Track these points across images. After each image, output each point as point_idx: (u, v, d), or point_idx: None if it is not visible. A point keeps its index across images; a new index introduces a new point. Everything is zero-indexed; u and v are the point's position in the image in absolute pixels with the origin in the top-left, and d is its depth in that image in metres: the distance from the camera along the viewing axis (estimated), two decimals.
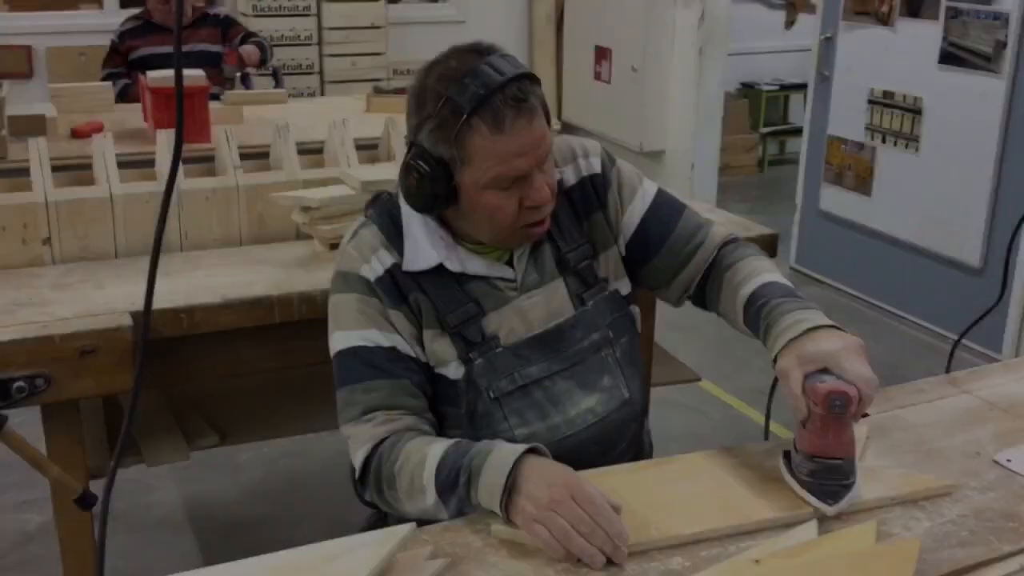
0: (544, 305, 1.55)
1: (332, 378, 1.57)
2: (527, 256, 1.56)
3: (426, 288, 1.50)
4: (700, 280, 1.63)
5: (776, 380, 1.43)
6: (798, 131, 7.31)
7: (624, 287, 1.64)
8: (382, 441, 1.45)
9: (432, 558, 1.22)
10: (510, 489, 1.28)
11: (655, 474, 1.43)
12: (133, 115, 3.74)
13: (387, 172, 2.31)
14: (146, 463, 2.20)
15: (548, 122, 1.48)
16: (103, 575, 0.90)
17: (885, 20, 4.35)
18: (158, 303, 2.00)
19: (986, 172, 3.98)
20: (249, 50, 4.68)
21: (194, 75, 3.46)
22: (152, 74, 3.43)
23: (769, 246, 2.49)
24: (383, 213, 1.56)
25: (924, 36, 4.17)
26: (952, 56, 4.05)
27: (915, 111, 4.27)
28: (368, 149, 2.73)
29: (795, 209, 5.11)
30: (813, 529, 1.27)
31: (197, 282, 2.13)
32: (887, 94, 4.40)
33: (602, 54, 6.06)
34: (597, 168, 1.62)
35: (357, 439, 1.48)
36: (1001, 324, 3.99)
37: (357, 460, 1.48)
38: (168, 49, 4.67)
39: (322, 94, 5.95)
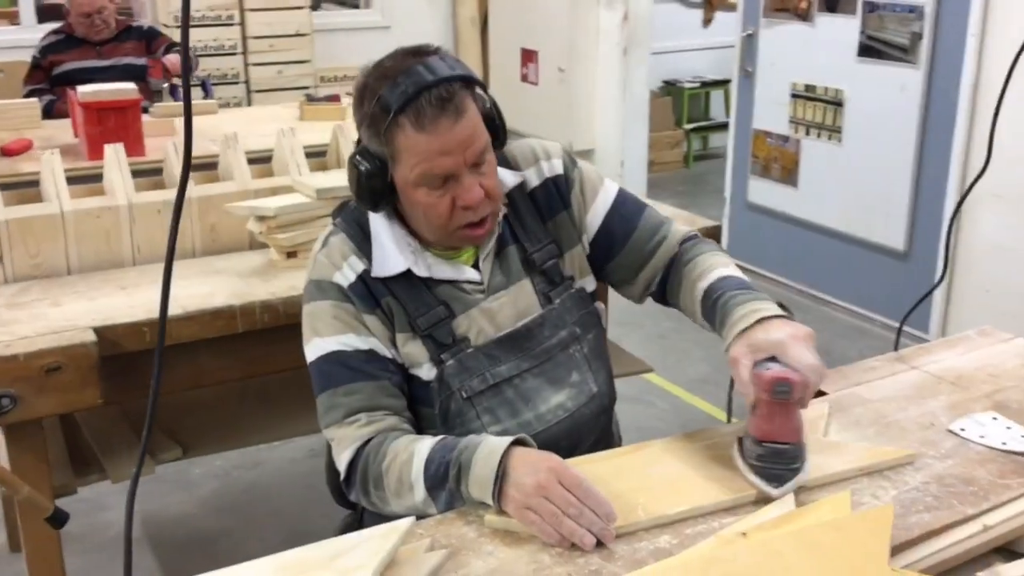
0: (511, 305, 1.59)
1: (297, 385, 1.59)
2: (492, 259, 1.60)
3: (396, 292, 1.54)
4: (662, 276, 1.69)
5: (730, 391, 1.50)
6: (720, 126, 7.51)
7: (589, 284, 1.69)
8: (367, 442, 1.48)
9: (430, 550, 1.25)
10: (500, 479, 1.32)
11: (634, 459, 1.48)
12: (62, 131, 3.69)
13: (341, 179, 2.31)
14: (111, 479, 2.18)
15: (498, 127, 1.52)
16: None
17: (804, 16, 4.49)
18: (118, 318, 2.00)
19: (907, 160, 4.13)
20: (174, 59, 4.63)
21: (126, 88, 3.43)
22: (82, 89, 3.38)
23: (713, 237, 2.57)
24: (351, 221, 1.60)
25: (843, 30, 4.31)
26: (870, 49, 4.20)
27: (836, 103, 4.41)
28: (311, 157, 2.74)
29: (724, 202, 5.23)
30: (791, 502, 1.34)
31: (156, 295, 2.09)
32: (809, 87, 4.54)
33: (528, 56, 6.13)
34: (559, 169, 1.67)
35: (341, 441, 1.51)
36: (927, 306, 4.16)
37: (342, 462, 1.50)
38: (93, 63, 4.60)
39: (249, 104, 5.90)
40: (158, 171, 2.67)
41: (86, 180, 2.44)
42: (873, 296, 4.44)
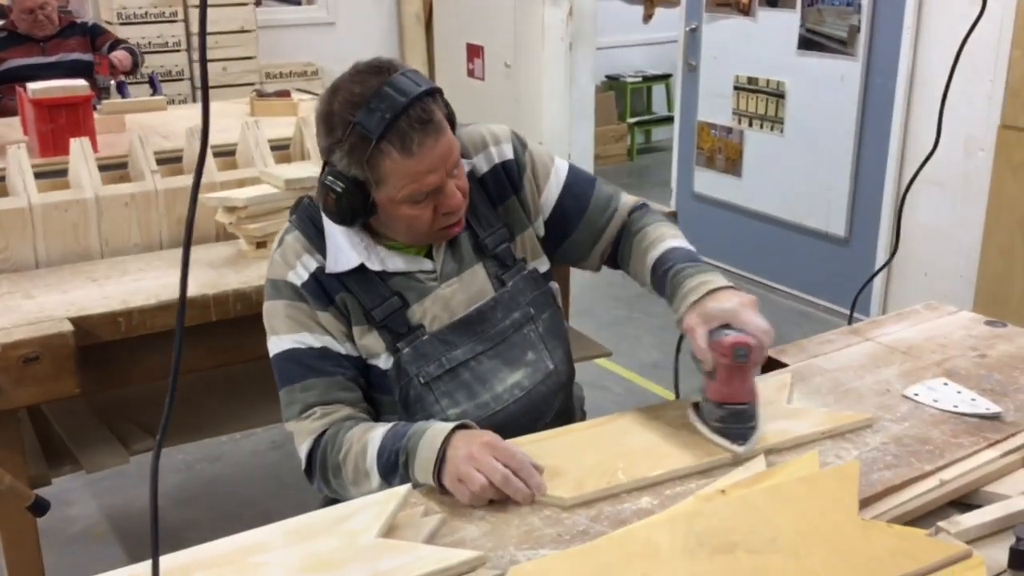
0: (464, 291, 1.63)
1: (264, 375, 1.65)
2: (445, 246, 1.64)
3: (351, 287, 1.58)
4: (613, 244, 1.76)
5: (680, 346, 1.59)
6: (662, 120, 7.64)
7: (542, 265, 1.74)
8: (322, 434, 1.54)
9: (426, 515, 1.31)
10: (440, 460, 1.38)
11: (607, 429, 1.55)
12: (9, 129, 3.66)
13: (309, 170, 2.37)
14: (86, 470, 2.20)
15: (453, 128, 1.56)
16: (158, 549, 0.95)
17: (746, 10, 4.61)
18: (93, 308, 2.02)
19: (847, 149, 4.27)
20: (120, 56, 4.61)
21: (76, 85, 3.43)
22: (32, 86, 3.36)
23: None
24: (304, 218, 1.63)
25: (783, 24, 4.44)
26: (810, 42, 4.34)
27: (778, 95, 4.54)
28: (274, 150, 2.77)
29: (670, 193, 5.34)
30: (762, 463, 1.42)
31: (128, 286, 2.15)
32: (751, 80, 4.66)
33: (474, 51, 6.19)
34: (509, 154, 1.70)
35: (300, 435, 1.57)
36: (869, 289, 4.30)
37: (302, 454, 1.57)
38: (37, 60, 4.57)
39: (194, 100, 5.87)
40: (113, 167, 2.68)
41: (41, 176, 2.43)
42: (816, 281, 4.58)
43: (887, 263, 2.25)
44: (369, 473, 1.47)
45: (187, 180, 2.44)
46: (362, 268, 1.58)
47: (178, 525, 2.95)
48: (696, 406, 1.56)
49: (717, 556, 1.16)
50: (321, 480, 1.55)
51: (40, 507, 1.91)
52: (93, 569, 1.39)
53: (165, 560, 1.16)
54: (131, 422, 2.40)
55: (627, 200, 1.77)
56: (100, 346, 2.02)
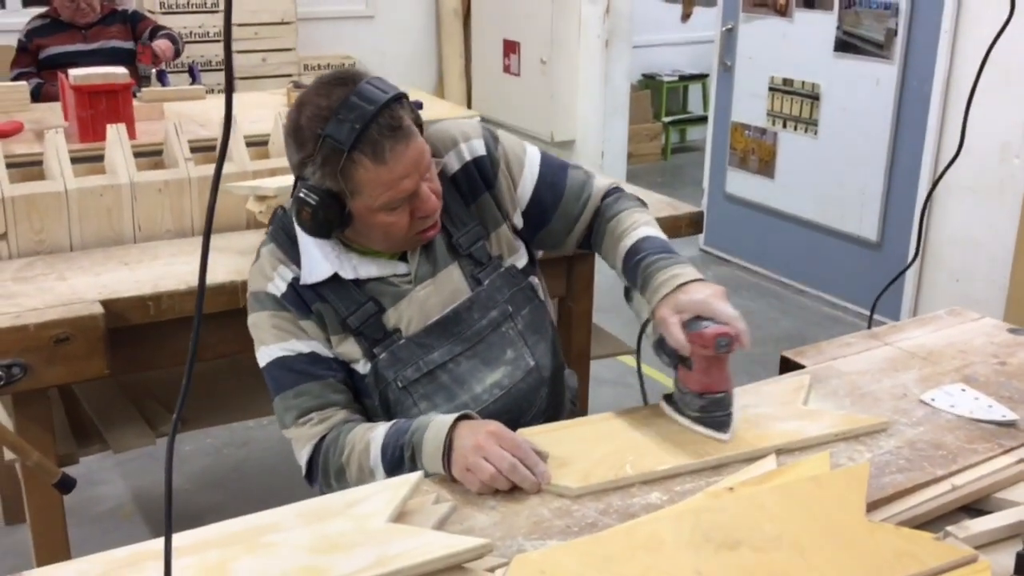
0: (439, 293, 1.64)
1: None
2: (419, 248, 1.64)
3: (325, 296, 1.60)
4: (587, 229, 1.77)
5: (641, 336, 1.61)
6: (697, 120, 7.62)
7: (520, 260, 1.74)
8: (322, 439, 1.57)
9: (437, 503, 1.33)
10: (447, 450, 1.41)
11: (616, 424, 1.57)
12: (51, 114, 3.73)
13: None
14: (112, 450, 2.25)
15: (421, 132, 1.55)
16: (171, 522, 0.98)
17: (783, 11, 4.60)
18: (124, 292, 2.06)
19: (881, 152, 4.25)
20: (163, 45, 4.67)
21: (117, 72, 3.47)
22: (74, 72, 3.42)
23: (694, 224, 2.68)
24: (279, 230, 1.65)
25: (820, 26, 4.42)
26: (846, 44, 4.31)
27: (813, 97, 4.52)
28: None
29: (702, 193, 5.33)
30: (772, 462, 1.43)
31: (158, 271, 2.19)
32: (787, 81, 4.65)
33: (510, 47, 6.20)
34: (481, 150, 1.70)
35: (299, 441, 1.60)
36: (899, 293, 4.28)
37: (302, 460, 1.60)
38: (78, 47, 4.63)
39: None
40: (149, 153, 2.72)
41: (79, 161, 2.48)
42: (846, 285, 4.56)
43: (908, 266, 2.25)
44: (374, 471, 1.50)
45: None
46: (336, 277, 1.59)
47: (202, 509, 3.00)
48: (668, 398, 1.60)
49: (721, 552, 1.17)
50: (324, 484, 1.59)
51: (66, 484, 1.95)
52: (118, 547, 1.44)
53: (178, 538, 1.19)
54: (159, 403, 2.44)
55: (600, 184, 1.78)
56: (130, 328, 2.06)
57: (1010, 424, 1.58)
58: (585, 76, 5.79)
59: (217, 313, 2.15)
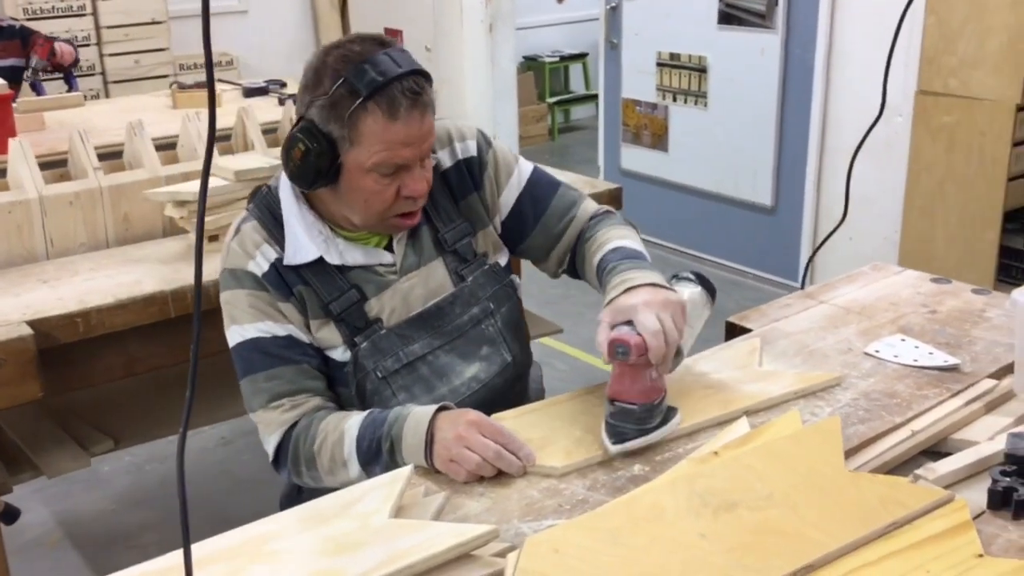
0: (423, 285, 1.64)
1: (212, 371, 1.64)
2: (405, 240, 1.64)
3: (308, 279, 1.57)
4: (571, 253, 1.76)
5: None
6: (580, 99, 7.71)
7: (503, 258, 1.75)
8: (293, 425, 1.54)
9: (427, 495, 1.32)
10: (429, 443, 1.41)
11: (580, 403, 1.58)
12: None
13: (258, 161, 2.35)
14: (47, 475, 2.16)
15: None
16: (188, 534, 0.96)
17: None
18: (49, 311, 1.98)
19: (770, 119, 4.38)
20: (66, 49, 4.47)
21: None
22: None
23: (614, 199, 2.72)
24: (263, 207, 1.60)
25: (703, 0, 4.52)
26: (730, 16, 4.43)
27: (700, 70, 4.63)
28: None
29: (598, 171, 5.40)
30: (745, 424, 1.47)
31: (80, 286, 2.11)
32: (673, 56, 4.74)
33: (393, 36, 6.13)
34: (473, 151, 1.70)
35: (268, 426, 1.56)
36: (796, 257, 4.44)
37: (270, 445, 1.56)
38: None
39: (107, 95, 5.73)
40: (45, 166, 2.61)
41: None
42: (744, 251, 4.69)
43: (838, 226, 2.34)
44: (347, 462, 1.48)
45: (133, 176, 2.40)
46: (320, 261, 1.57)
47: (132, 529, 2.91)
48: None
49: (721, 514, 1.21)
50: (292, 471, 1.55)
51: (10, 515, 1.87)
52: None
53: (171, 558, 1.15)
54: (86, 424, 2.36)
55: (588, 207, 1.76)
56: (58, 348, 1.98)
57: (953, 368, 1.66)
58: (471, 61, 5.78)
59: (146, 326, 2.09)
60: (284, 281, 1.55)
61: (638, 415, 1.42)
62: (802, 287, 2.08)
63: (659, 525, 1.19)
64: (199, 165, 2.44)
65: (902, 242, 3.93)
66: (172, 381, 2.55)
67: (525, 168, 1.75)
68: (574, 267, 1.76)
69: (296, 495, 1.85)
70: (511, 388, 1.73)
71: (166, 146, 2.70)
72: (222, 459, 3.28)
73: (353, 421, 1.49)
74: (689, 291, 1.62)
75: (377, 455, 1.45)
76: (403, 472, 1.28)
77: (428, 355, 1.63)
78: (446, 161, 1.68)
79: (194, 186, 2.27)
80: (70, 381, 2.07)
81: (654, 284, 1.48)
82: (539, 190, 1.74)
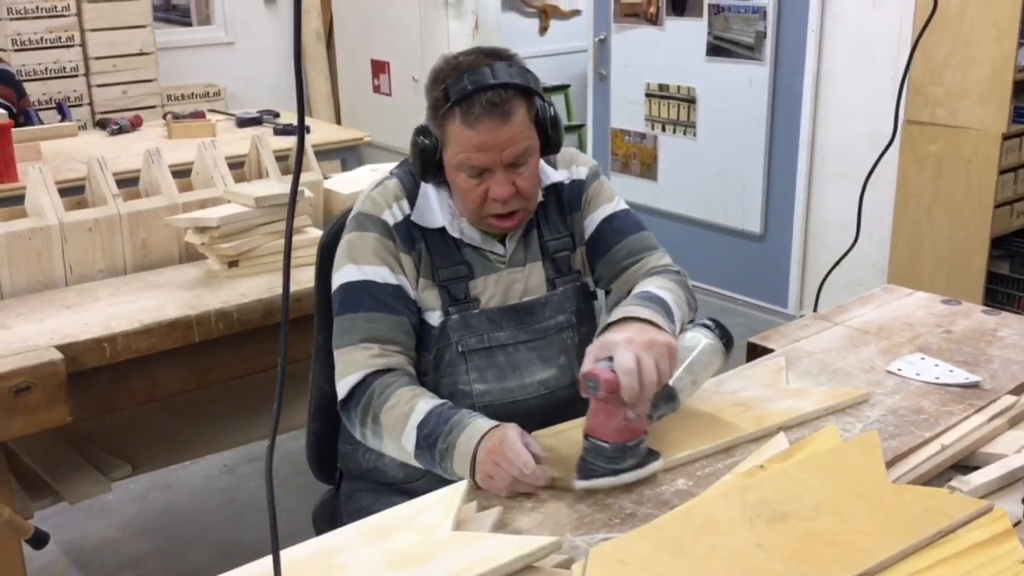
0: (523, 281, 1.74)
1: (225, 397, 1.67)
2: (518, 237, 1.74)
3: (429, 242, 1.69)
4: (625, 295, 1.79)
5: None
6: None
7: (591, 282, 1.83)
8: (375, 373, 1.61)
9: (480, 511, 1.35)
10: (473, 458, 1.46)
11: None
12: None
13: (275, 187, 2.37)
14: (68, 501, 2.16)
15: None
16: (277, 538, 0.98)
17: (654, 20, 4.77)
18: (76, 336, 1.99)
19: (758, 148, 4.46)
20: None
21: None
22: None
23: None
24: (406, 172, 1.75)
25: (691, 32, 4.60)
26: (718, 48, 4.51)
27: (689, 100, 4.71)
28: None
29: None
30: (784, 440, 1.51)
31: (104, 312, 2.11)
32: (662, 87, 4.82)
33: (379, 67, 6.20)
34: (583, 176, 1.81)
35: (350, 365, 1.63)
36: (785, 283, 4.51)
37: (347, 383, 1.63)
38: None
39: (95, 126, 5.71)
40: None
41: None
42: (734, 278, 4.76)
43: (849, 249, 2.39)
44: (405, 436, 1.54)
45: (151, 203, 2.41)
46: (443, 231, 1.69)
47: (138, 557, 2.89)
48: None
49: (774, 524, 1.24)
50: (359, 418, 1.62)
51: (40, 539, 1.87)
52: None
53: (251, 567, 1.17)
54: (102, 449, 2.36)
55: (659, 259, 1.80)
56: (84, 373, 1.99)
57: (974, 385, 1.72)
58: None
59: (168, 351, 2.10)
60: (411, 235, 1.68)
61: (609, 454, 1.41)
62: (815, 310, 2.13)
63: (716, 535, 1.23)
64: (217, 192, 2.46)
65: (890, 267, 4.01)
66: (185, 407, 2.56)
67: (620, 204, 1.84)
68: None
69: (331, 507, 1.89)
70: (573, 405, 1.72)
71: (173, 174, 2.71)
72: (226, 486, 3.27)
73: (423, 402, 1.56)
74: (702, 340, 1.59)
75: (432, 446, 1.51)
76: (461, 487, 1.31)
77: (510, 346, 1.71)
78: (562, 178, 1.79)
79: (217, 212, 2.29)
80: (95, 406, 2.07)
81: (647, 321, 1.50)
82: (621, 223, 1.81)
